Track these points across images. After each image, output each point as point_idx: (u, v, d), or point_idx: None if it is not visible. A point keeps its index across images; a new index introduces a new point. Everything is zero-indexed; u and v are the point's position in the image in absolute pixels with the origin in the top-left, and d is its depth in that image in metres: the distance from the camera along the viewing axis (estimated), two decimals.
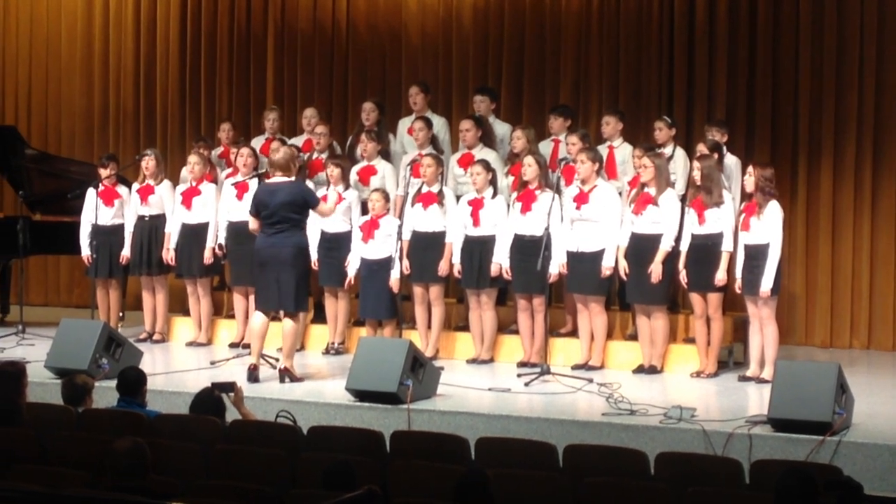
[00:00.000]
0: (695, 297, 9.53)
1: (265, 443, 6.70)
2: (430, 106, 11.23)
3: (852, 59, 11.34)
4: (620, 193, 9.94)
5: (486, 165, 9.98)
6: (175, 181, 11.18)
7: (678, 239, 9.49)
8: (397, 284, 10.09)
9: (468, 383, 9.18)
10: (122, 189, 11.19)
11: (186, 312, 11.22)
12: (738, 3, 11.65)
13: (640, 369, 9.68)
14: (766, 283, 9.10)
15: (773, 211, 9.16)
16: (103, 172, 11.13)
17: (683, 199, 9.72)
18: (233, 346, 10.77)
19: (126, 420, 7.01)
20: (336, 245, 10.39)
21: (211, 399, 7.17)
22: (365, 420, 8.28)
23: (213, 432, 6.82)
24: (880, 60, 11.30)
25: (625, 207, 9.72)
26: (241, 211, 10.38)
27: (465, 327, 10.48)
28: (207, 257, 10.81)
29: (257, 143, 11.38)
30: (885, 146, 11.30)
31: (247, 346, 10.15)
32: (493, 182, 9.99)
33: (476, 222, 9.95)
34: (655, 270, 9.46)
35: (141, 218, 11.02)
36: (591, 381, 9.21)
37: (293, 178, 9.39)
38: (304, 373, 9.53)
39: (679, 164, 10.19)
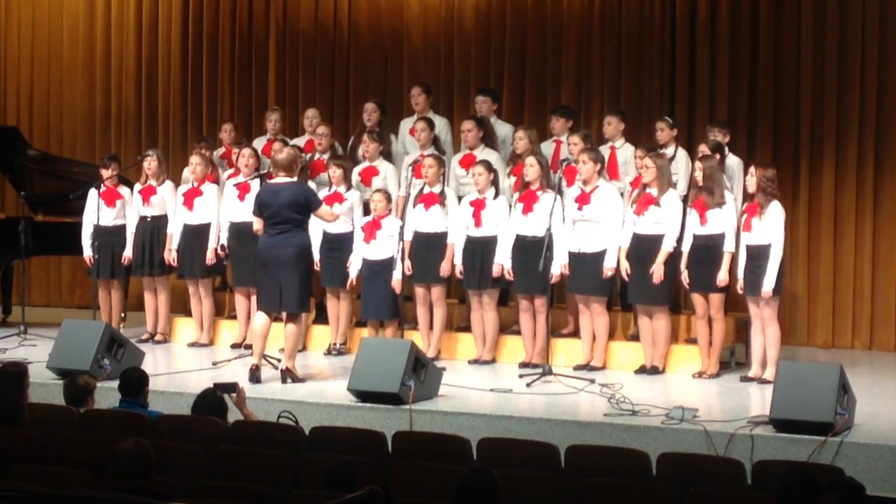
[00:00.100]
0: (696, 298, 9.52)
1: (267, 443, 6.70)
2: (431, 106, 11.24)
3: (854, 59, 11.34)
4: (622, 194, 9.93)
5: (488, 166, 9.97)
6: (177, 182, 11.18)
7: (680, 239, 9.49)
8: (399, 285, 10.09)
9: (470, 384, 9.17)
10: (123, 190, 11.19)
11: (188, 313, 11.22)
12: (739, 2, 11.64)
13: (641, 370, 9.68)
14: (768, 283, 9.09)
15: (775, 211, 9.15)
16: (105, 173, 11.13)
17: (685, 199, 9.71)
18: (234, 346, 10.76)
19: (128, 421, 7.01)
20: (338, 246, 10.38)
21: (213, 400, 7.18)
22: (367, 421, 8.27)
23: (215, 433, 6.82)
24: (882, 60, 11.29)
25: (626, 208, 9.71)
26: (242, 211, 10.38)
27: (466, 328, 10.47)
28: (210, 258, 10.81)
29: (259, 143, 11.38)
30: (887, 146, 11.29)
31: (248, 346, 10.16)
32: (494, 183, 9.98)
33: (478, 223, 9.95)
34: (657, 271, 9.46)
35: (143, 218, 11.02)
36: (592, 381, 9.21)
37: (295, 179, 9.40)
38: (306, 373, 9.52)
39: (681, 164, 10.17)
